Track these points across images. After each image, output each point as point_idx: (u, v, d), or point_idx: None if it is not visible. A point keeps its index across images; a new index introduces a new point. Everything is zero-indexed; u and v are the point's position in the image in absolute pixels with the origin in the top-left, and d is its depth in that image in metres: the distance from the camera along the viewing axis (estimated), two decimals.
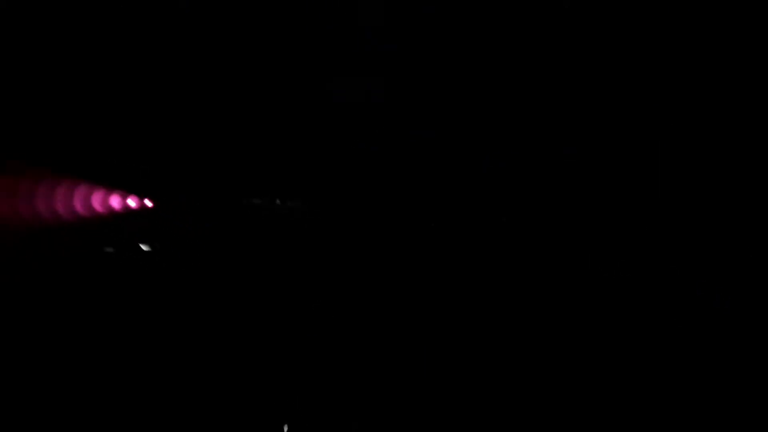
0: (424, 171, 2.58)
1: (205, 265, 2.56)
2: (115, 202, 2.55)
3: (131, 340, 2.36)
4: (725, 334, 2.29)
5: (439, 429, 2.25)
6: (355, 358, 2.40)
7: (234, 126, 2.55)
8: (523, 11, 2.30)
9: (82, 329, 2.36)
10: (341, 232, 2.63)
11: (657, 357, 2.31)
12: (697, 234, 2.42)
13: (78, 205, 2.49)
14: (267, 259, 2.59)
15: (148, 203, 2.58)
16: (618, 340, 2.35)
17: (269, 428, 2.23)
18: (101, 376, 2.26)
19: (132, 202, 2.56)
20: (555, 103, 2.47)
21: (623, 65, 2.37)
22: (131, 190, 2.56)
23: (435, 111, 2.51)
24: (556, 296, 2.44)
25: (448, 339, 2.43)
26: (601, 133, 2.47)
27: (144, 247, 2.53)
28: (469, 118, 2.52)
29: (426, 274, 2.53)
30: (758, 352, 2.23)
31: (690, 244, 2.43)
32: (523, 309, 2.45)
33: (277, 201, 2.56)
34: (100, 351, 2.33)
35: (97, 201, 2.53)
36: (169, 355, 2.35)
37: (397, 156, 2.57)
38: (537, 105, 2.48)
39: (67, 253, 2.48)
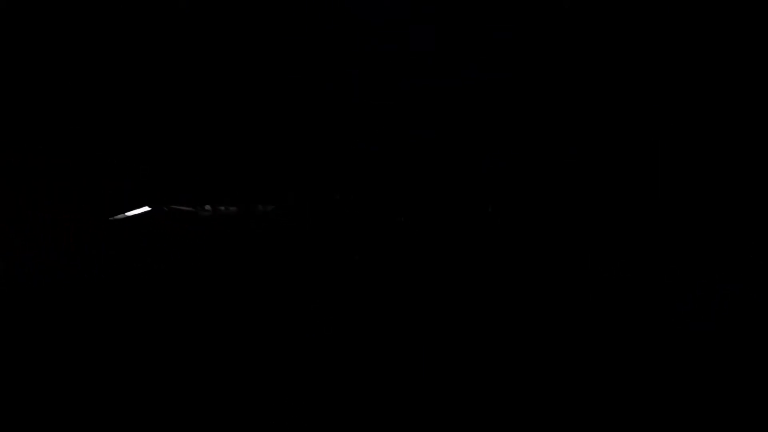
0: (424, 171, 2.58)
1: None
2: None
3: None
4: (725, 334, 2.29)
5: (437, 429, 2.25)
6: (350, 360, 2.40)
7: (232, 126, 2.55)
8: (523, 11, 2.30)
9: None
10: (340, 231, 2.63)
11: (656, 357, 2.31)
12: (696, 234, 2.42)
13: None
14: (264, 260, 2.59)
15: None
16: (617, 340, 2.35)
17: None
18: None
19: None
20: (555, 103, 2.47)
21: (624, 65, 2.37)
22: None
23: (435, 111, 2.52)
24: (556, 295, 2.44)
25: (445, 339, 2.43)
26: (601, 133, 2.47)
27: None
28: (469, 118, 2.52)
29: (425, 273, 2.53)
30: (758, 352, 2.23)
31: (689, 244, 2.43)
32: (522, 309, 2.45)
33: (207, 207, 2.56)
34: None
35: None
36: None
37: (397, 156, 2.57)
38: (537, 105, 2.48)
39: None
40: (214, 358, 2.38)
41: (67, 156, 2.47)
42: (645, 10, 2.23)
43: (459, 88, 2.47)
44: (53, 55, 2.32)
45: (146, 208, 2.55)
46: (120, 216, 2.53)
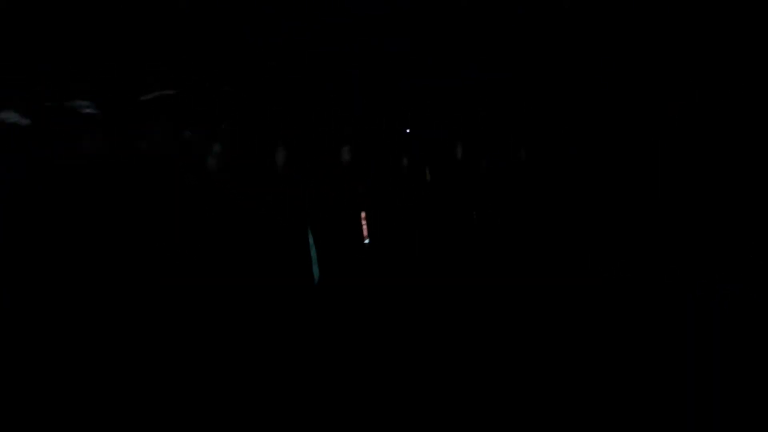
0: (423, 171, 2.58)
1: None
2: None
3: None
4: (725, 334, 2.29)
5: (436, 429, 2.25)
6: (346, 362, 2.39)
7: (231, 127, 2.55)
8: (523, 11, 2.30)
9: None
10: (339, 234, 2.63)
11: (655, 358, 2.31)
12: (697, 234, 2.43)
13: None
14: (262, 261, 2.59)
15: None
16: (617, 340, 2.35)
17: None
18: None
19: None
20: (555, 103, 2.47)
21: (624, 65, 2.37)
22: None
23: (435, 111, 2.52)
24: (555, 295, 2.44)
25: (443, 341, 2.43)
26: (601, 133, 2.47)
27: None
28: (469, 118, 2.52)
29: (425, 274, 2.53)
30: (758, 352, 2.23)
31: (690, 245, 2.43)
32: (521, 309, 2.45)
33: None
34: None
35: None
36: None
37: (397, 156, 2.57)
38: (537, 105, 2.48)
39: None
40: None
41: None
42: (645, 10, 2.24)
43: (459, 88, 2.47)
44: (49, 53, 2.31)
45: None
46: None
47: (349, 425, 2.25)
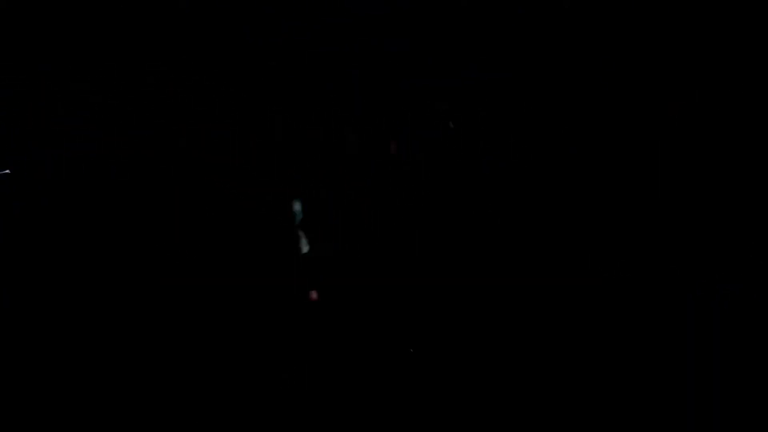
0: (423, 171, 2.58)
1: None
2: None
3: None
4: (725, 334, 2.29)
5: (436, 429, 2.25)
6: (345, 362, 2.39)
7: (227, 128, 2.55)
8: (523, 11, 2.30)
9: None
10: (339, 234, 2.63)
11: (656, 358, 2.31)
12: (697, 234, 2.43)
13: None
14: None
15: None
16: (617, 340, 2.35)
17: None
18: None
19: None
20: (555, 103, 2.47)
21: (624, 65, 2.38)
22: None
23: (435, 111, 2.52)
24: (555, 296, 2.44)
25: (443, 343, 2.43)
26: (601, 133, 2.47)
27: None
28: (469, 117, 2.52)
29: (424, 274, 2.53)
30: (758, 352, 2.23)
31: (689, 244, 2.43)
32: (521, 310, 2.45)
33: None
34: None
35: None
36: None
37: (397, 156, 2.57)
38: (537, 105, 2.48)
39: None
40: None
41: None
42: (645, 10, 2.24)
43: (459, 88, 2.47)
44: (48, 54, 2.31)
45: None
46: None
47: (350, 426, 2.25)
